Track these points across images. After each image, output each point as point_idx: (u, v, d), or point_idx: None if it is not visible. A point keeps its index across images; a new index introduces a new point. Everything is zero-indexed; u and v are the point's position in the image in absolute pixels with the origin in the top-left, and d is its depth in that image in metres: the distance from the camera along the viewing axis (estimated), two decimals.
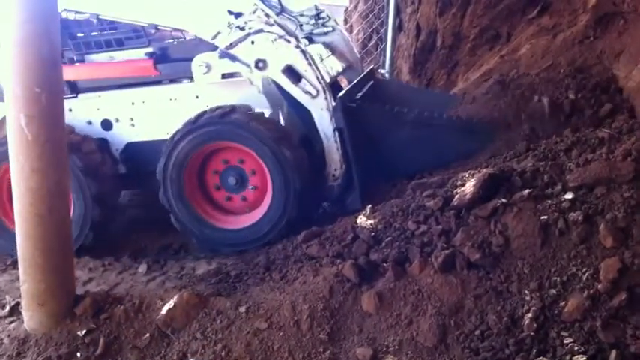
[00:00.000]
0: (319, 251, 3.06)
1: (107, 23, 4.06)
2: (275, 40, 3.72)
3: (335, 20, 4.54)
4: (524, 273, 2.50)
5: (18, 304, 3.09)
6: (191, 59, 3.82)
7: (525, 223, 2.59)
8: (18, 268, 2.85)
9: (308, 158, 3.71)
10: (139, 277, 3.57)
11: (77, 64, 4.17)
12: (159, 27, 4.02)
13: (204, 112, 3.74)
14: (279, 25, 3.85)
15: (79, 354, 2.72)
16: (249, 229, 3.75)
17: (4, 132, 2.78)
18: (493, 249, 2.60)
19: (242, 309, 2.77)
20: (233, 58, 3.75)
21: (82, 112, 4.16)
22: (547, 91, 3.71)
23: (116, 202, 4.21)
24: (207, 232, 3.83)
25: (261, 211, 3.75)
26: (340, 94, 3.78)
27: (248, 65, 3.74)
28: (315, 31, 4.31)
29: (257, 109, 3.79)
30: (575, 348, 2.22)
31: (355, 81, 4.19)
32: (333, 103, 3.69)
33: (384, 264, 2.76)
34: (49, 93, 2.65)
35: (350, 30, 7.00)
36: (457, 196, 2.86)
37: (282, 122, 3.90)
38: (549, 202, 2.62)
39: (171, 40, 4.19)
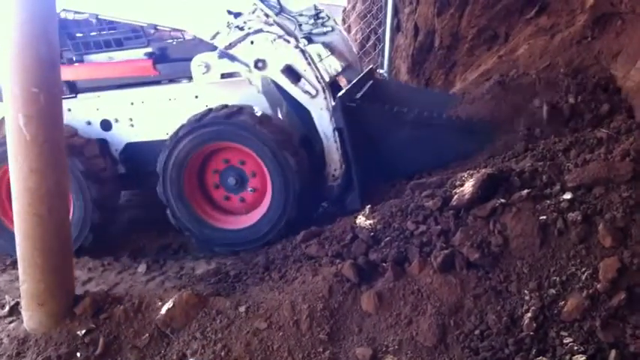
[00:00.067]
0: (318, 251, 3.06)
1: (106, 23, 4.06)
2: (274, 39, 3.72)
3: (334, 20, 4.54)
4: (523, 273, 2.50)
5: (17, 304, 3.09)
6: (190, 59, 3.81)
7: (524, 223, 2.60)
8: (17, 268, 2.85)
9: (308, 158, 3.71)
10: (138, 277, 3.58)
11: (76, 64, 4.16)
12: (158, 27, 4.02)
13: (210, 111, 3.73)
14: (279, 25, 3.85)
15: (78, 354, 2.72)
16: (248, 230, 3.75)
17: (4, 132, 2.78)
18: (492, 249, 2.60)
19: (242, 309, 2.77)
20: (232, 58, 3.75)
21: (81, 113, 4.16)
22: (546, 96, 3.70)
23: (116, 204, 4.22)
24: (206, 232, 3.83)
25: (260, 211, 3.75)
26: (340, 93, 3.78)
27: (247, 65, 3.74)
28: (314, 31, 4.31)
29: (257, 109, 3.78)
30: (575, 348, 2.23)
31: (355, 81, 4.19)
32: (333, 103, 3.69)
33: (384, 264, 2.77)
34: (48, 93, 2.65)
35: (348, 30, 7.00)
36: (456, 196, 2.87)
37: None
38: (548, 202, 2.63)
39: (170, 40, 4.18)
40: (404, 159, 3.77)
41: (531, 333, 2.32)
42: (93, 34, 4.13)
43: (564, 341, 2.26)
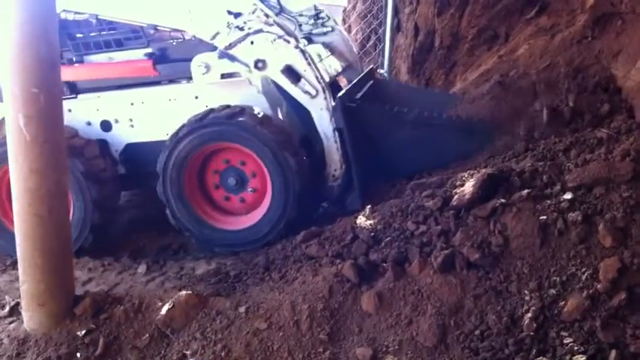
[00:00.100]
0: (319, 251, 3.06)
1: (106, 24, 4.06)
2: (274, 40, 3.72)
3: (334, 20, 4.54)
4: (523, 273, 2.50)
5: (17, 304, 3.09)
6: (190, 60, 3.81)
7: (524, 223, 2.60)
8: (17, 269, 2.85)
9: (308, 159, 3.71)
10: (138, 277, 3.58)
11: (76, 64, 4.16)
12: (158, 27, 4.02)
13: (211, 111, 3.73)
14: (279, 25, 3.85)
15: (78, 354, 2.72)
16: (248, 230, 3.75)
17: (4, 132, 2.78)
18: (492, 249, 2.60)
19: (242, 309, 2.77)
20: (232, 59, 3.75)
21: (81, 113, 4.16)
22: (546, 98, 3.69)
23: (116, 205, 4.22)
24: (206, 232, 3.83)
25: (260, 212, 3.75)
26: (340, 94, 3.78)
27: (247, 65, 3.74)
28: (314, 31, 4.31)
29: (257, 110, 3.78)
30: (575, 348, 2.22)
31: (355, 81, 4.19)
32: (333, 103, 3.69)
33: (384, 264, 2.77)
34: (48, 93, 2.65)
35: (348, 30, 7.00)
36: (456, 196, 2.87)
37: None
38: (548, 202, 2.63)
39: (170, 41, 4.18)
40: (404, 159, 3.77)
41: (531, 333, 2.32)
42: (93, 34, 4.13)
43: (564, 341, 2.26)
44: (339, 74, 4.24)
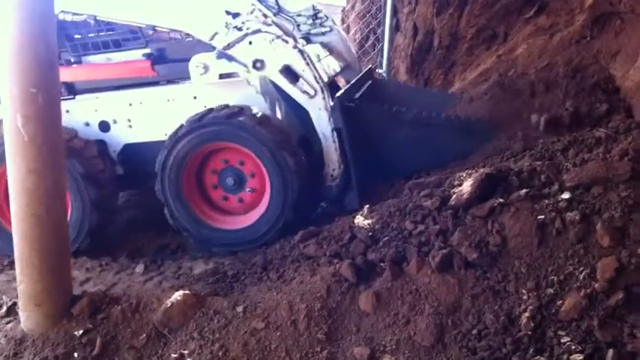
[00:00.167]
0: (317, 251, 3.06)
1: (104, 24, 4.06)
2: (273, 40, 3.72)
3: (332, 20, 4.54)
4: (521, 272, 2.50)
5: (15, 304, 3.08)
6: (188, 60, 3.81)
7: (522, 222, 2.59)
8: (15, 269, 2.85)
9: (306, 159, 3.71)
10: (136, 277, 3.58)
11: (74, 65, 4.16)
12: (156, 28, 4.02)
13: (210, 111, 3.73)
14: (277, 25, 3.85)
15: (76, 354, 2.72)
16: (246, 230, 3.75)
17: (2, 133, 2.78)
18: (490, 249, 2.60)
19: (239, 309, 2.76)
20: (230, 59, 3.75)
21: (79, 114, 4.16)
22: (545, 106, 3.68)
23: (114, 205, 4.21)
24: (204, 232, 3.83)
25: (258, 211, 3.75)
26: (338, 93, 3.78)
27: (246, 65, 3.74)
28: (312, 31, 4.30)
29: (255, 110, 3.78)
30: (573, 347, 2.22)
31: (353, 81, 4.19)
32: (331, 103, 3.69)
33: (382, 264, 2.76)
34: (46, 94, 2.65)
35: (347, 30, 7.00)
36: (454, 196, 2.86)
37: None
38: (546, 201, 2.62)
39: (168, 41, 4.18)
40: (402, 159, 3.77)
41: (529, 332, 2.32)
42: (91, 35, 4.13)
43: (562, 340, 2.26)
44: (337, 74, 4.24)
